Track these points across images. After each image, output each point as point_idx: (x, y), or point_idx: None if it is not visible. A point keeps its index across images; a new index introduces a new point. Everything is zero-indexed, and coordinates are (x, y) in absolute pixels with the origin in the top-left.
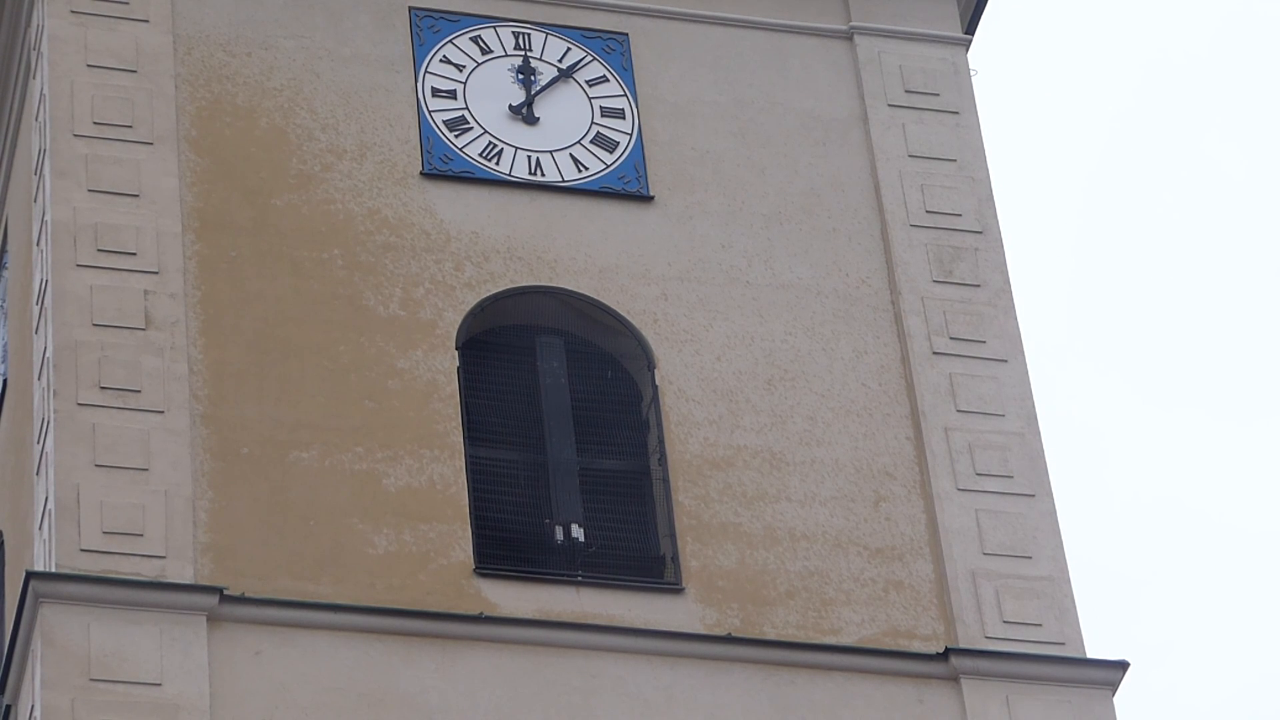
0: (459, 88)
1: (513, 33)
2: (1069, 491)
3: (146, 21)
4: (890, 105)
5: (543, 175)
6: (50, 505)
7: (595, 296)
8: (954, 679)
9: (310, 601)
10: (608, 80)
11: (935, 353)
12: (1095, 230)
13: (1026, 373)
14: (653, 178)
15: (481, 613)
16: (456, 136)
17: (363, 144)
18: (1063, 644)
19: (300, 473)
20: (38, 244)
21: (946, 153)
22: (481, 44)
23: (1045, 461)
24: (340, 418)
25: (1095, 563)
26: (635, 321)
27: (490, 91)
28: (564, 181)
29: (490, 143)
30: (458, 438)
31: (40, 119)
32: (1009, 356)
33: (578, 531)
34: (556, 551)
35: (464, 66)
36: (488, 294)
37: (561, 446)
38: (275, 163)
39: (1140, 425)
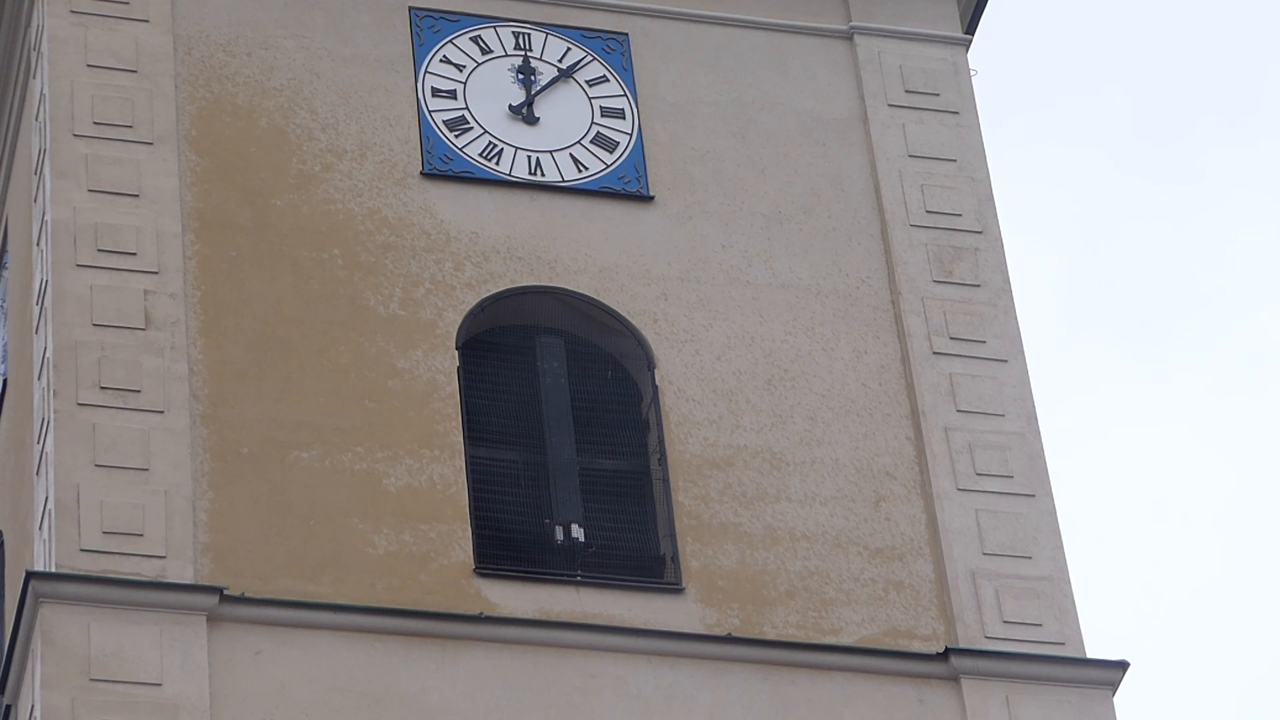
0: (459, 88)
1: (513, 33)
2: (1069, 491)
3: (146, 21)
4: (890, 105)
5: (543, 175)
6: (50, 505)
7: (595, 296)
8: (954, 679)
9: (310, 601)
10: (608, 80)
11: (935, 353)
12: (1095, 230)
13: (1026, 373)
14: (653, 178)
15: (481, 613)
16: (456, 136)
17: (363, 144)
18: (1063, 644)
19: (300, 473)
20: (38, 244)
21: (946, 153)
22: (481, 44)
23: (1045, 461)
24: (340, 418)
25: (1095, 563)
26: (635, 321)
27: (490, 91)
28: (564, 181)
29: (490, 143)
30: (458, 438)
31: (40, 119)
32: (1009, 356)
33: (578, 531)
34: (556, 551)
35: (464, 66)
36: (488, 294)
37: (561, 446)
38: (275, 163)
39: (1140, 425)
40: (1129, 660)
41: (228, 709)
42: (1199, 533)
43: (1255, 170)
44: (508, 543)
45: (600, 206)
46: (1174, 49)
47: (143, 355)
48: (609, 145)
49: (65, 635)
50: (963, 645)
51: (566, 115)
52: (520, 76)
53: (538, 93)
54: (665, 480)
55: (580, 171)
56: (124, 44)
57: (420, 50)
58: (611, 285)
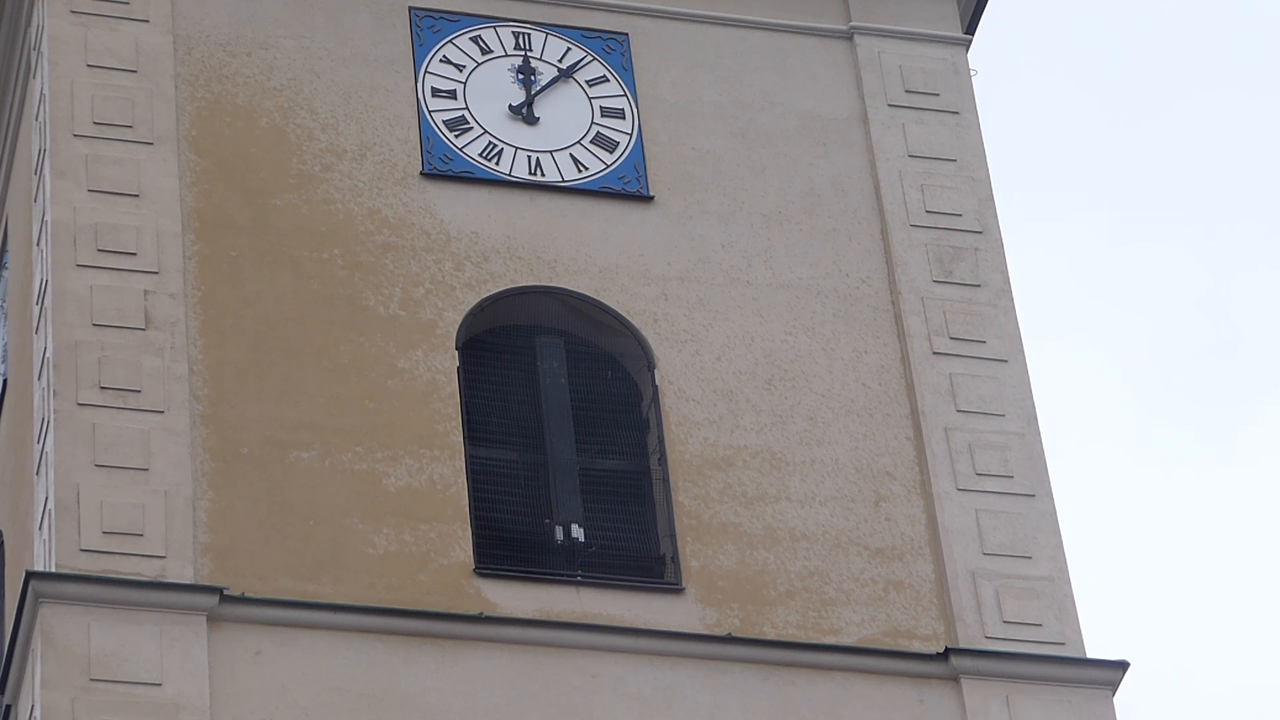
0: (459, 88)
1: (513, 33)
2: (1069, 491)
3: (146, 21)
4: (890, 105)
5: (543, 175)
6: (50, 505)
7: (595, 296)
8: (954, 679)
9: (310, 601)
10: (608, 80)
11: (935, 353)
12: (1095, 230)
13: (1026, 373)
14: (653, 178)
15: (481, 613)
16: (456, 136)
17: (363, 144)
18: (1063, 644)
19: (300, 473)
20: (38, 244)
21: (946, 153)
22: (481, 44)
23: (1045, 461)
24: (340, 418)
25: (1095, 563)
26: (635, 321)
27: (490, 91)
28: (564, 181)
29: (490, 143)
30: (458, 438)
31: (40, 119)
32: (1009, 356)
33: (578, 531)
34: (556, 551)
35: (464, 66)
36: (488, 294)
37: (561, 446)
38: (275, 163)
39: (1140, 425)
40: (1129, 660)
41: (228, 709)
42: (1199, 532)
43: (1257, 164)
44: (508, 543)
45: (600, 206)
46: (1174, 48)
47: (143, 355)
48: (609, 145)
49: (65, 635)
50: (963, 645)
51: (566, 115)
52: (520, 76)
53: (538, 93)
54: (665, 480)
55: (580, 171)
56: (124, 44)
57: (420, 50)
58: (611, 285)
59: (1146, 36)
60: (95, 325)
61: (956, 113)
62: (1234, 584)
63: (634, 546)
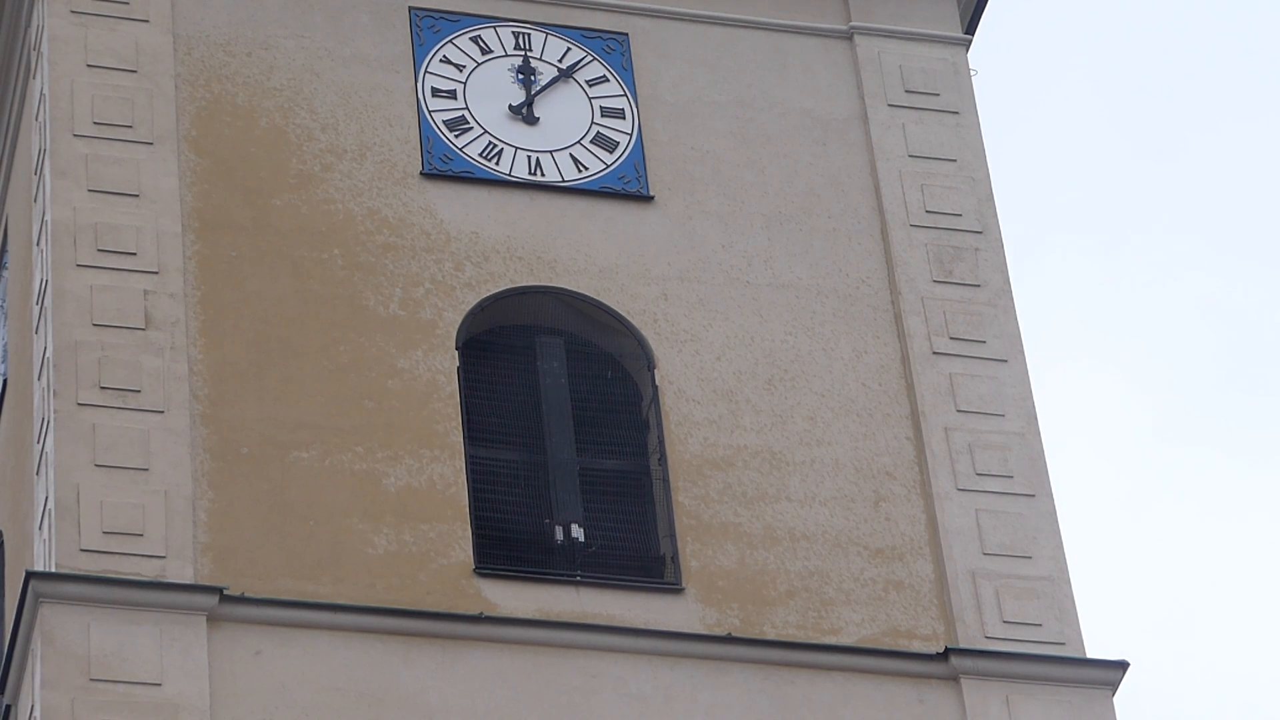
0: (459, 88)
1: (513, 33)
2: (1069, 491)
3: (146, 21)
4: (890, 105)
5: (543, 175)
6: (50, 505)
7: (595, 296)
8: (954, 679)
9: (310, 601)
10: (608, 80)
11: (935, 353)
12: (1095, 229)
13: (1026, 373)
14: (653, 178)
15: (481, 613)
16: (456, 136)
17: (363, 144)
18: (1063, 644)
19: (300, 473)
20: (38, 244)
21: (946, 153)
22: (481, 44)
23: (1045, 461)
24: (340, 418)
25: (1095, 563)
26: (635, 321)
27: (490, 91)
28: (564, 181)
29: (490, 143)
30: (458, 438)
31: (40, 119)
32: (1009, 356)
33: (578, 531)
34: (556, 551)
35: (464, 66)
36: (488, 294)
37: (561, 446)
38: (275, 163)
39: (1139, 425)
40: (1129, 660)
41: (228, 709)
42: (1199, 532)
43: (1258, 163)
44: (508, 543)
45: (600, 206)
46: (1174, 48)
47: (143, 355)
48: (609, 145)
49: (65, 635)
50: (963, 645)
51: (566, 115)
52: (520, 76)
53: (538, 93)
54: (665, 480)
55: (580, 171)
56: (124, 44)
57: (420, 50)
58: (611, 285)
59: (1147, 36)
60: (95, 325)
61: (956, 113)
62: (1234, 584)
63: (634, 546)
